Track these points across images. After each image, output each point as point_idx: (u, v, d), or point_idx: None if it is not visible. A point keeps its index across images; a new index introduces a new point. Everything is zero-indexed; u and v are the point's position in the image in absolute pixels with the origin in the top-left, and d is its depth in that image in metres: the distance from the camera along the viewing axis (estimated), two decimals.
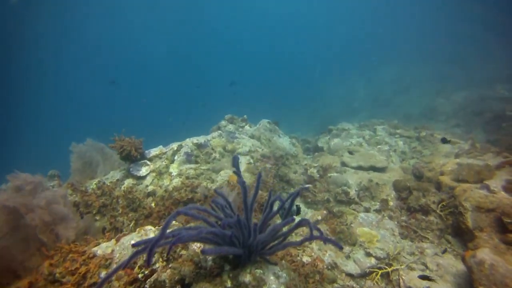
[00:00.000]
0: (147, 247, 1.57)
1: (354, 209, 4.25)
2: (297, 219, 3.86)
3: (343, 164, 5.61)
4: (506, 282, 2.41)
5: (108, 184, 4.54)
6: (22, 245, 2.68)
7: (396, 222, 3.93)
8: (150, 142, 5.72)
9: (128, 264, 1.52)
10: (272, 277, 2.29)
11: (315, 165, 5.22)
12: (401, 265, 3.22)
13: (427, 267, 3.23)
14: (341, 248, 1.62)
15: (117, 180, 4.65)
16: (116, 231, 4.04)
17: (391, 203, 4.30)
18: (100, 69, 38.48)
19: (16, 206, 2.61)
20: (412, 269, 3.21)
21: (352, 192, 4.49)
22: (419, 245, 3.57)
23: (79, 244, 2.73)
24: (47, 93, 37.19)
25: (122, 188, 4.41)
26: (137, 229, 2.82)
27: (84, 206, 4.21)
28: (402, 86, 17.82)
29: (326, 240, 1.72)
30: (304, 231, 3.78)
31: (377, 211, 4.23)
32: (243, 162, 4.98)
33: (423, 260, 3.33)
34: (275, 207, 2.17)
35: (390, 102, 16.44)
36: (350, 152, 5.70)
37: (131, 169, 4.62)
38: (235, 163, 2.47)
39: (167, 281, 2.37)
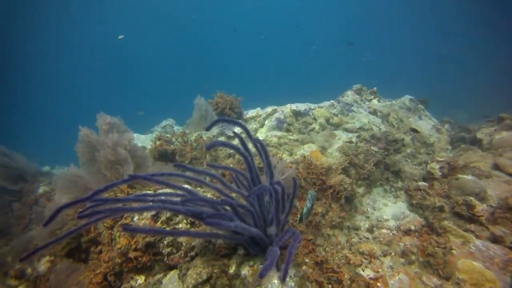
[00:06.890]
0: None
1: (471, 231, 2.60)
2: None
3: (496, 167, 3.52)
4: None
5: (205, 138, 4.72)
6: (97, 175, 3.10)
7: None
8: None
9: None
10: (275, 281, 1.68)
11: (441, 159, 3.51)
12: None
13: None
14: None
15: (213, 136, 4.77)
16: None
17: None
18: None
19: (91, 141, 2.99)
20: None
21: (482, 207, 2.74)
22: None
23: (127, 187, 2.89)
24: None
25: None
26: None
27: (179, 155, 4.57)
28: None
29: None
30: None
31: None
32: (342, 138, 3.99)
33: None
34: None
35: None
36: None
37: (224, 128, 4.60)
38: (247, 132, 1.87)
39: (183, 243, 2.20)
